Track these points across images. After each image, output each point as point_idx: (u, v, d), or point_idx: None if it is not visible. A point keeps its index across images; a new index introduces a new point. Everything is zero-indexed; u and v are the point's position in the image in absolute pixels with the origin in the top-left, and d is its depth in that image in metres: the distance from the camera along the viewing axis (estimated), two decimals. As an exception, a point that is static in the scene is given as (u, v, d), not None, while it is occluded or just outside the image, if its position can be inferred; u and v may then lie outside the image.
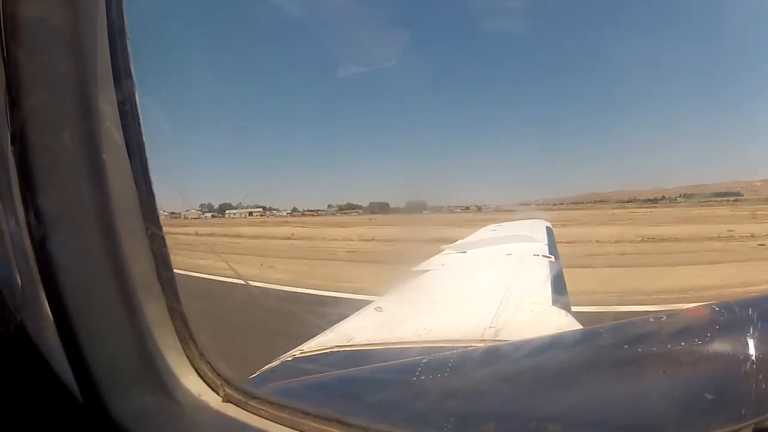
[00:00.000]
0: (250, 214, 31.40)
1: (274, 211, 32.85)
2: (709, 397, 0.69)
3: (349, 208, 34.30)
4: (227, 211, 29.81)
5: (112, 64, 0.84)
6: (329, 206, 35.00)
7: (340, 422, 0.82)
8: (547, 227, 4.42)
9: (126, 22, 0.85)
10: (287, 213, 32.91)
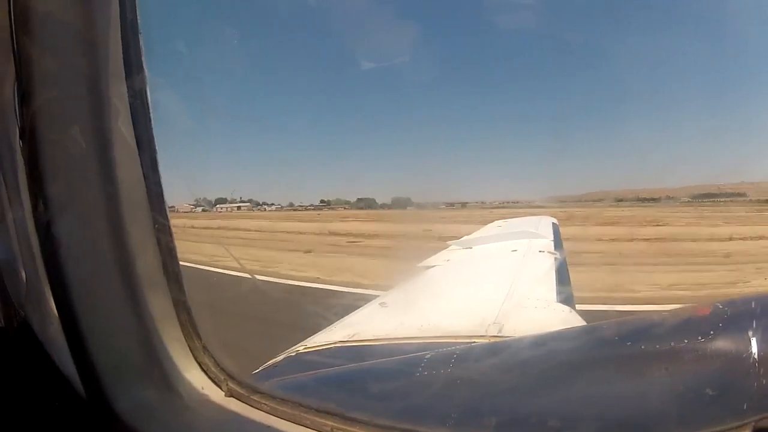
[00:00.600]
0: (239, 208, 32.11)
1: (264, 206, 33.54)
2: (711, 394, 0.70)
3: (337, 203, 34.75)
4: (217, 206, 30.53)
5: (124, 58, 0.83)
6: (321, 201, 35.48)
7: (344, 417, 0.82)
8: (554, 223, 4.39)
9: (139, 17, 0.85)
10: (276, 208, 33.48)
